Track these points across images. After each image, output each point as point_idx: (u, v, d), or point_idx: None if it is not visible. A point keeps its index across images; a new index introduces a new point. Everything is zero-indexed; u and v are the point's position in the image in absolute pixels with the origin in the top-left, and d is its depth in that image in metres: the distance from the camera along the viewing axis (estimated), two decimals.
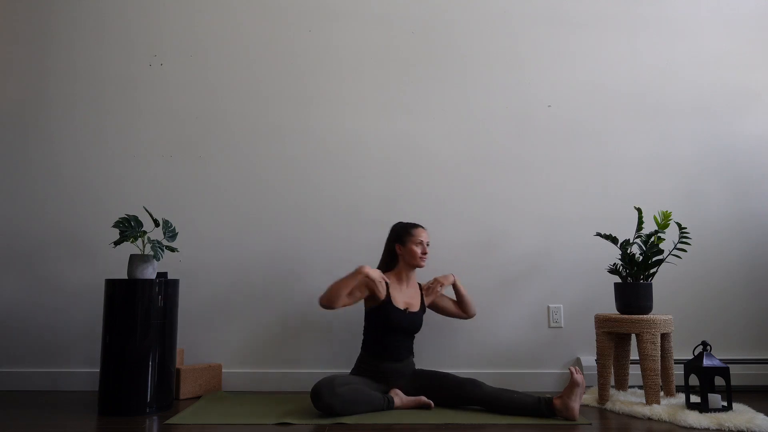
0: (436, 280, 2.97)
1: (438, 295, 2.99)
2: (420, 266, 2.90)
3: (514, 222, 3.34)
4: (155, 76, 3.45)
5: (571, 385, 2.46)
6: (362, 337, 2.88)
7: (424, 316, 2.92)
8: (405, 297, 2.88)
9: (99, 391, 2.64)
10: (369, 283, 2.78)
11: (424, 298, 2.95)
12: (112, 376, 2.60)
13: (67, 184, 3.35)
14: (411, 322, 2.83)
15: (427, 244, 2.92)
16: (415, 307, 2.88)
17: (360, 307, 2.92)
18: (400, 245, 2.91)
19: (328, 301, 2.73)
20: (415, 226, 2.95)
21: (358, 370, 2.81)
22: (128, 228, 2.74)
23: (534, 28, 3.50)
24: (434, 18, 3.50)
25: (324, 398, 2.45)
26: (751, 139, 3.42)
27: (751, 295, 3.29)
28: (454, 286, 2.99)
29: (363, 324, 2.90)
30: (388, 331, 2.79)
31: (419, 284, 2.98)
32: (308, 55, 3.47)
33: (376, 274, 2.77)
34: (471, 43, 3.49)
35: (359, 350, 2.89)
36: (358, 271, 2.74)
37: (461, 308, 3.02)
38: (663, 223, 2.84)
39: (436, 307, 3.03)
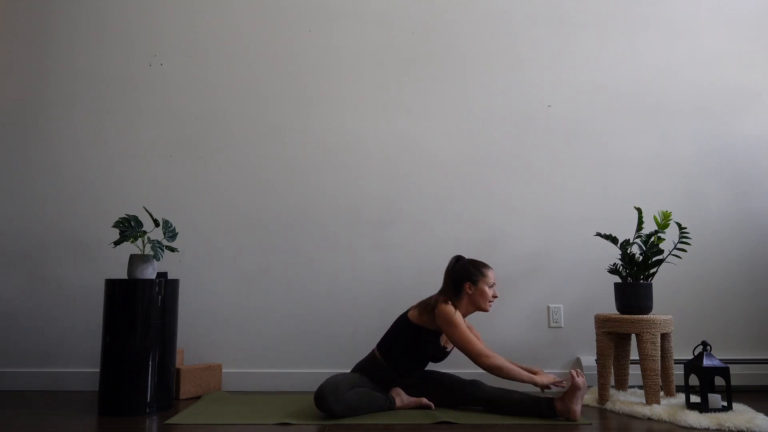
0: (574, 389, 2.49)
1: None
2: (487, 311, 2.73)
3: (514, 222, 3.34)
4: (155, 76, 3.45)
5: (573, 388, 2.45)
6: (369, 337, 2.82)
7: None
8: None
9: (99, 391, 2.64)
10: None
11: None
12: (112, 376, 2.60)
13: (67, 184, 3.35)
14: (442, 358, 2.74)
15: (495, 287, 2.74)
16: (452, 345, 2.75)
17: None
18: (471, 284, 2.69)
19: (495, 373, 2.56)
20: (487, 266, 2.75)
21: (364, 370, 2.68)
22: (128, 228, 2.74)
23: (534, 28, 3.50)
24: (434, 18, 3.50)
25: (329, 404, 2.44)
26: (751, 139, 3.42)
27: (751, 295, 3.29)
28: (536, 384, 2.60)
29: (368, 325, 2.85)
30: (424, 361, 2.72)
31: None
32: (308, 55, 3.47)
33: (548, 379, 2.57)
34: (471, 43, 3.49)
35: (359, 350, 2.88)
36: (532, 380, 2.54)
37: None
38: (663, 223, 2.84)
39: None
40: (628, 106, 3.44)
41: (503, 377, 2.57)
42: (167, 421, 2.47)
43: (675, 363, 2.85)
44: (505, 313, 3.27)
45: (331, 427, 2.36)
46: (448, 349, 2.74)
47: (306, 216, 3.33)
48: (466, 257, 2.81)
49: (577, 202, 3.35)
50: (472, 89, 3.45)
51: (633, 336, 2.91)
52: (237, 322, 3.26)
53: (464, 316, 2.70)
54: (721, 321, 3.27)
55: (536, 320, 3.28)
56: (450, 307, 2.62)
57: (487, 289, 2.69)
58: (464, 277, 2.70)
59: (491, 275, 2.72)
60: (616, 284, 2.84)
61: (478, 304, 2.70)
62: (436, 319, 2.62)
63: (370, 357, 2.72)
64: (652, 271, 2.81)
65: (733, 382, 2.74)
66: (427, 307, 2.66)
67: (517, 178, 3.38)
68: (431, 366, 3.08)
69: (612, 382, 2.88)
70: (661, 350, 2.77)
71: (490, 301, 2.70)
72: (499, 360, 2.57)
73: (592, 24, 3.50)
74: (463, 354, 3.25)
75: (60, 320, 3.24)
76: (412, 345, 2.66)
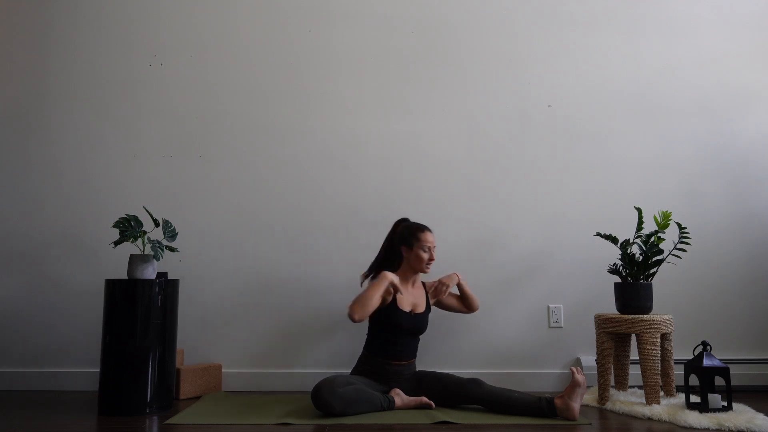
0: (441, 283, 2.95)
1: (444, 296, 2.99)
2: (425, 272, 2.87)
3: (514, 222, 3.34)
4: (155, 75, 3.45)
5: (573, 385, 2.46)
6: (365, 337, 2.87)
7: (430, 316, 2.92)
8: (411, 298, 2.85)
9: (99, 391, 2.64)
10: (389, 289, 2.75)
11: (429, 299, 2.94)
12: (112, 376, 2.60)
13: (67, 184, 3.35)
14: (417, 324, 2.82)
15: (434, 249, 2.86)
16: (421, 308, 2.86)
17: None
18: (407, 248, 2.84)
19: (362, 313, 2.59)
20: (423, 229, 2.87)
21: (359, 370, 2.80)
22: (128, 228, 2.74)
23: (534, 28, 3.50)
24: (434, 18, 3.50)
25: (324, 398, 2.45)
26: (752, 139, 3.42)
27: (751, 295, 3.29)
28: (458, 285, 2.99)
29: (365, 324, 2.89)
30: (395, 334, 2.76)
31: (423, 283, 2.97)
32: (308, 55, 3.47)
33: (398, 280, 2.74)
34: (471, 43, 3.48)
35: (359, 350, 2.89)
36: (384, 278, 2.68)
37: (465, 305, 3.03)
38: (663, 223, 2.84)
39: (441, 305, 3.02)
40: (628, 106, 3.44)
41: (370, 303, 2.61)
42: (167, 421, 2.47)
43: (675, 363, 2.85)
44: (505, 313, 3.27)
45: (331, 427, 2.35)
46: (415, 311, 2.82)
47: (306, 216, 3.33)
48: (411, 220, 2.98)
49: (577, 202, 3.35)
50: (472, 89, 3.45)
51: (633, 336, 2.91)
52: (237, 322, 3.26)
53: (406, 277, 2.86)
54: (721, 321, 3.26)
55: (536, 320, 3.27)
56: (383, 272, 2.75)
57: (422, 252, 2.82)
58: (400, 241, 2.88)
59: (426, 237, 2.85)
60: (616, 284, 2.84)
61: (415, 267, 2.85)
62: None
63: (360, 357, 2.84)
64: (652, 271, 2.81)
65: (733, 382, 2.75)
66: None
67: (517, 178, 3.38)
68: (433, 365, 3.08)
69: (612, 382, 2.88)
70: (661, 350, 2.77)
71: (426, 264, 2.83)
72: (357, 301, 2.63)
73: (592, 24, 3.50)
74: (461, 353, 3.28)
75: (60, 320, 3.24)
76: (385, 326, 2.76)
